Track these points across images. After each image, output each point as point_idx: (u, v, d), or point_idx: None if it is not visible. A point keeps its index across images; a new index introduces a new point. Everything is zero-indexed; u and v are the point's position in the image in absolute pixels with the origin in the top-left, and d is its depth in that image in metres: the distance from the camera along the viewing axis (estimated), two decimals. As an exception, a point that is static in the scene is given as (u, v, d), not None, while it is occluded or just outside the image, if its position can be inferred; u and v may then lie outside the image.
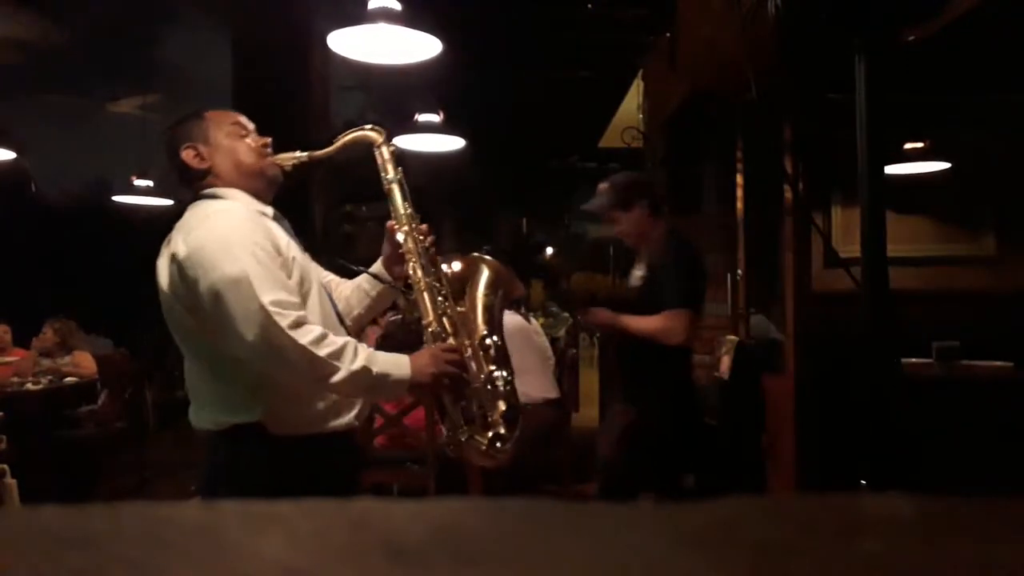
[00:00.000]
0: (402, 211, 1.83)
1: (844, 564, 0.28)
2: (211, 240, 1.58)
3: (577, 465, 5.31)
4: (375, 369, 1.60)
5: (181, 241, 1.59)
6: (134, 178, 6.70)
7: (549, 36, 4.93)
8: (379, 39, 2.92)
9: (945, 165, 4.02)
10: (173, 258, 1.59)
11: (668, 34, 4.47)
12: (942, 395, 3.22)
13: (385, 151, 1.85)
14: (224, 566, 0.28)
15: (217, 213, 1.65)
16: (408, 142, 4.76)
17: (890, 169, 3.36)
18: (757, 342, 3.89)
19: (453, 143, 4.81)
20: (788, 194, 3.37)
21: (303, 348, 1.53)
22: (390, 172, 1.84)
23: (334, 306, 1.80)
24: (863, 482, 2.42)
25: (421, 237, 1.81)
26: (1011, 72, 3.70)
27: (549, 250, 18.95)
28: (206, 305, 1.55)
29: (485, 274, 1.89)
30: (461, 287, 1.88)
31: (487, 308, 1.84)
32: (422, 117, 4.50)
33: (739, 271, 4.34)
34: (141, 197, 6.76)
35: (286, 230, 1.74)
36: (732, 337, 3.96)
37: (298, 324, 1.55)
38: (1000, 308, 3.76)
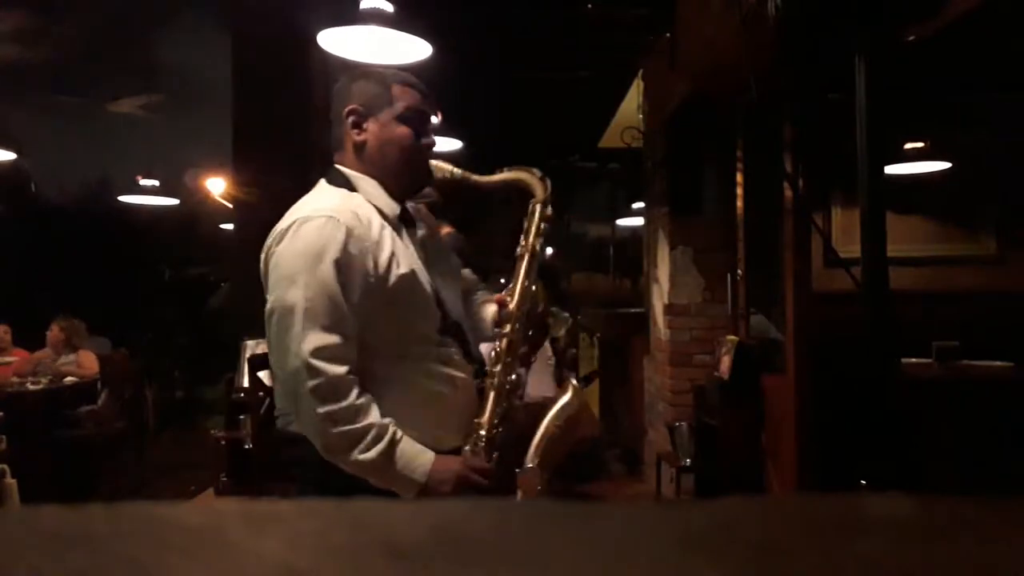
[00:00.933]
0: (520, 286, 1.65)
1: (844, 564, 0.28)
2: (287, 254, 1.46)
3: (577, 465, 5.31)
4: (392, 463, 1.44)
5: (275, 236, 1.51)
6: (140, 178, 6.71)
7: (549, 36, 4.93)
8: (375, 39, 2.92)
9: (945, 165, 4.03)
10: (266, 251, 1.51)
11: (668, 34, 4.47)
12: (942, 395, 3.22)
13: (539, 211, 1.68)
14: (224, 566, 0.28)
15: (315, 217, 1.48)
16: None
17: (890, 169, 3.37)
18: (757, 342, 3.89)
19: (452, 144, 4.80)
20: (788, 194, 3.37)
21: (317, 417, 1.41)
22: (532, 236, 1.67)
23: (456, 321, 1.62)
24: (863, 482, 2.42)
25: (526, 331, 1.64)
26: (1011, 72, 3.70)
27: (549, 250, 18.97)
28: (265, 314, 1.48)
29: (565, 400, 1.69)
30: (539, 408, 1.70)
31: (548, 439, 1.65)
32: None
33: (739, 271, 4.34)
34: (147, 196, 6.76)
35: (410, 234, 1.60)
36: (732, 337, 3.96)
37: (327, 388, 1.41)
38: (1000, 308, 3.76)
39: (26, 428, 4.61)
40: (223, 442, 4.32)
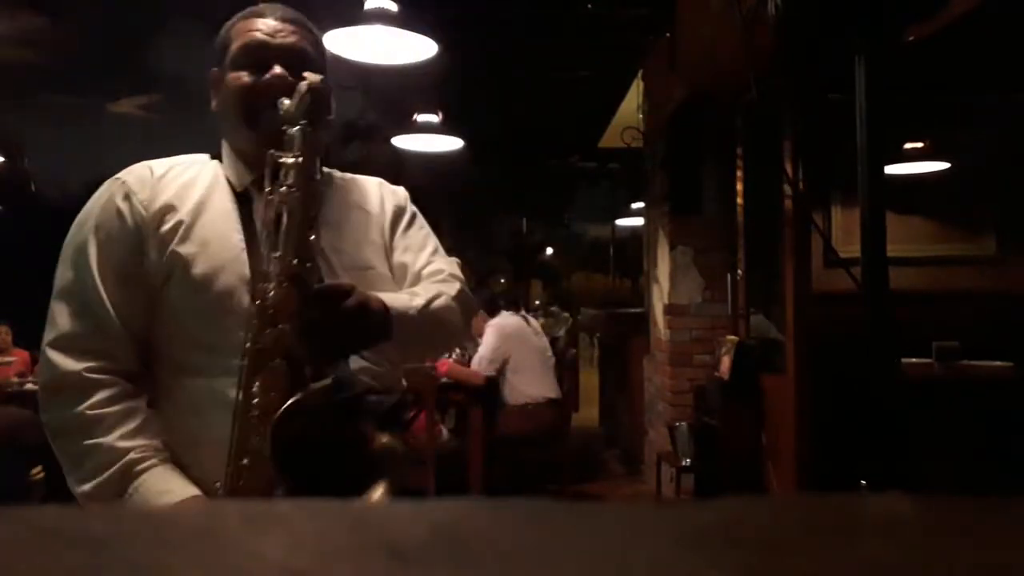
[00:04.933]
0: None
1: (844, 564, 0.28)
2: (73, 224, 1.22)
3: (577, 465, 5.31)
4: (129, 491, 1.05)
5: None
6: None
7: (549, 36, 4.94)
8: (377, 39, 2.93)
9: (945, 165, 4.03)
10: None
11: (668, 35, 4.47)
12: (942, 395, 3.22)
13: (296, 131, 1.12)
14: (224, 566, 0.28)
15: (104, 185, 1.23)
16: (407, 142, 4.76)
17: (890, 169, 3.37)
18: (757, 342, 3.90)
19: (452, 143, 4.81)
20: (788, 194, 3.37)
21: (43, 426, 1.12)
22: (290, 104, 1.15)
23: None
24: (863, 482, 2.42)
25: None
26: (1011, 72, 3.70)
27: (549, 250, 18.96)
28: None
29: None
30: None
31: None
32: (421, 117, 4.50)
33: (739, 271, 4.34)
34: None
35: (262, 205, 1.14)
36: (732, 337, 3.96)
37: (51, 389, 1.12)
38: (1000, 308, 3.76)
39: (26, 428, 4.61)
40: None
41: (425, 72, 3.34)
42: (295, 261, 1.05)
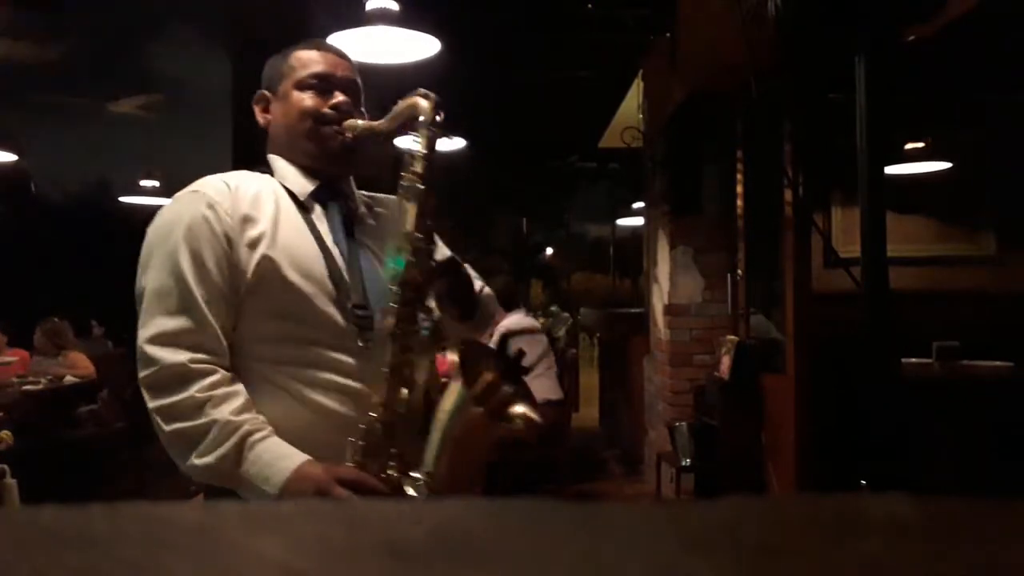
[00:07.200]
0: (413, 223, 1.28)
1: (844, 564, 0.28)
2: (148, 235, 1.31)
3: (577, 465, 5.31)
4: (238, 473, 1.19)
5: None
6: (141, 178, 6.73)
7: (549, 36, 4.94)
8: (377, 39, 2.93)
9: (945, 165, 4.03)
10: None
11: (668, 34, 4.47)
12: (942, 395, 3.22)
13: (425, 133, 1.30)
14: (224, 566, 0.28)
15: (181, 193, 1.33)
16: (407, 143, 4.75)
17: (890, 169, 3.37)
18: (757, 342, 3.90)
19: (452, 143, 4.81)
20: (788, 194, 3.37)
21: (153, 413, 1.22)
22: (418, 163, 1.30)
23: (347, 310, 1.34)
24: (863, 482, 2.42)
25: (428, 278, 1.31)
26: (1011, 72, 3.70)
27: (549, 250, 18.96)
28: None
29: (453, 401, 1.26)
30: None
31: (449, 440, 1.24)
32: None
33: (739, 271, 4.34)
34: (147, 198, 6.78)
35: (329, 216, 1.38)
36: (732, 337, 3.96)
37: (162, 379, 1.21)
38: (1000, 308, 3.76)
39: (26, 428, 4.61)
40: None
41: (425, 72, 3.35)
42: (420, 236, 1.27)
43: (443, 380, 1.40)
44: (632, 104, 5.83)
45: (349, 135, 1.38)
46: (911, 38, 2.74)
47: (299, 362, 1.28)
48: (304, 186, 1.39)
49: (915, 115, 3.86)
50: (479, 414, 1.27)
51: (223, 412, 1.20)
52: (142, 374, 1.22)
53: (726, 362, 3.77)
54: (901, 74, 2.68)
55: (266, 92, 1.45)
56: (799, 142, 3.30)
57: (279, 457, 1.20)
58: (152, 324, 1.23)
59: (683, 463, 3.98)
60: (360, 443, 1.24)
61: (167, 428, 1.21)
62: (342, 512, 0.32)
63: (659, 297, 4.91)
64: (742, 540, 0.30)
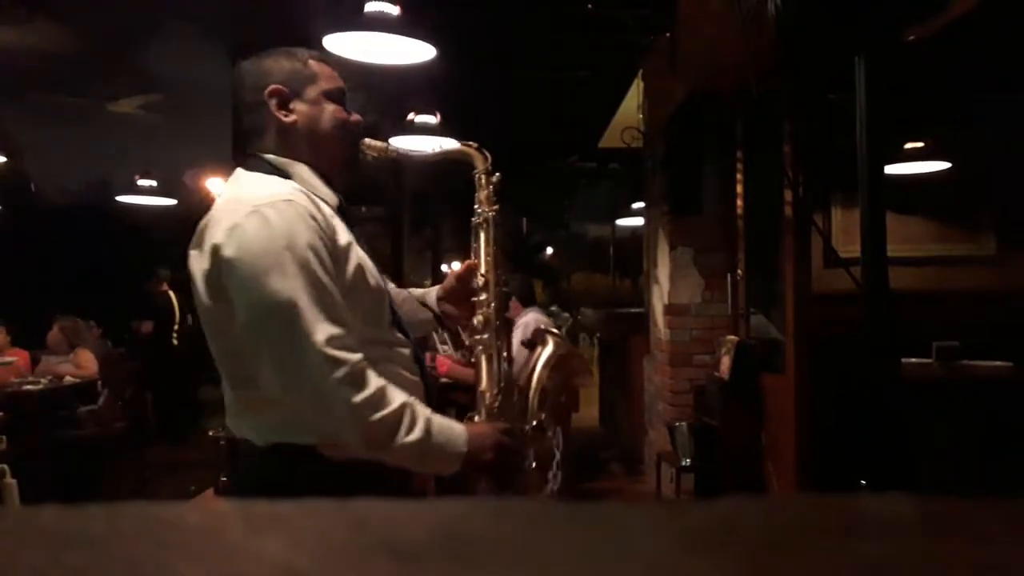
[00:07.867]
0: (485, 253, 1.58)
1: (844, 564, 0.28)
2: (256, 248, 1.28)
3: (577, 465, 5.31)
4: (432, 439, 1.33)
5: (225, 232, 1.30)
6: (137, 178, 6.72)
7: (549, 36, 4.94)
8: (376, 40, 2.93)
9: (945, 165, 4.03)
10: (215, 251, 1.30)
11: (668, 34, 4.47)
12: (942, 395, 3.22)
13: (484, 179, 1.60)
14: (224, 566, 0.28)
15: (273, 202, 1.31)
16: (406, 143, 4.75)
17: (890, 169, 3.37)
18: (757, 342, 3.90)
19: (453, 143, 4.79)
20: (788, 194, 3.37)
21: (354, 409, 1.27)
22: (485, 205, 1.59)
23: (394, 312, 1.51)
24: (863, 482, 2.42)
25: (503, 289, 1.58)
26: (1011, 72, 3.70)
27: (549, 250, 18.95)
28: (240, 321, 1.30)
29: (549, 350, 1.68)
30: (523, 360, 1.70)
31: (542, 391, 1.62)
32: (419, 118, 4.49)
33: (739, 271, 4.34)
34: (145, 197, 6.77)
35: (348, 224, 1.45)
36: (732, 337, 3.96)
37: (354, 376, 1.28)
38: (1000, 308, 3.76)
39: (26, 428, 4.62)
40: (223, 442, 4.32)
41: (424, 72, 3.35)
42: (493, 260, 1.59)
43: (443, 379, 1.63)
44: (632, 104, 5.83)
45: (372, 155, 1.53)
46: (911, 38, 2.74)
47: (383, 361, 1.38)
48: (330, 195, 1.44)
49: (915, 115, 3.86)
50: (561, 362, 1.66)
51: (402, 396, 1.33)
52: (338, 374, 1.27)
53: (726, 362, 3.77)
54: (901, 74, 2.68)
55: (284, 88, 1.44)
56: (799, 142, 3.30)
57: (447, 424, 1.37)
58: (320, 329, 1.28)
59: (683, 463, 3.98)
60: (483, 411, 1.52)
61: (373, 417, 1.28)
62: (343, 512, 0.32)
63: (659, 297, 4.91)
64: (742, 540, 0.30)
